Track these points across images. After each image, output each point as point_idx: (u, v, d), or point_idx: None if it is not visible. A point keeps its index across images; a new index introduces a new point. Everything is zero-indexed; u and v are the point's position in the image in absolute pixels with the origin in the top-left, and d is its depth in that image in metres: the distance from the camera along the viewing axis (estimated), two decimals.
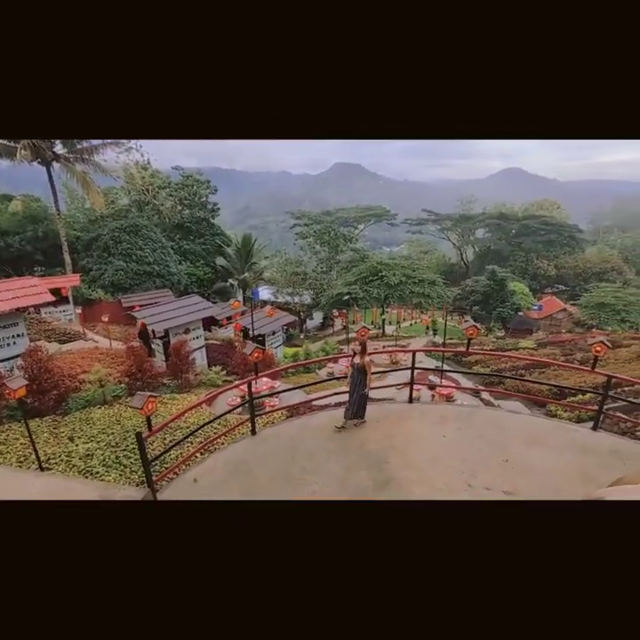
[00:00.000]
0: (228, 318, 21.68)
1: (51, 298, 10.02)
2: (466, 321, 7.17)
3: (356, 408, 5.94)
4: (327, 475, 4.93)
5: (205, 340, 14.76)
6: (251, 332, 15.68)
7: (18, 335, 9.23)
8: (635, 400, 8.55)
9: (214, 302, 24.33)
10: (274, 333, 17.83)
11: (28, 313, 15.18)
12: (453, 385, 11.63)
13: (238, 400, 9.13)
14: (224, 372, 12.30)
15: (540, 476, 4.74)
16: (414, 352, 6.61)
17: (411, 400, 6.67)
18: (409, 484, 4.69)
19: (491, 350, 18.41)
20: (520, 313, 32.98)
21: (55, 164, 21.52)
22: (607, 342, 5.42)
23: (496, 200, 69.21)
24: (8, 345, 9.00)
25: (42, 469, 5.32)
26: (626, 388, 11.67)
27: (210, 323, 19.89)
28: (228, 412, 6.29)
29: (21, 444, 6.13)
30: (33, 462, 5.46)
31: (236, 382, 9.88)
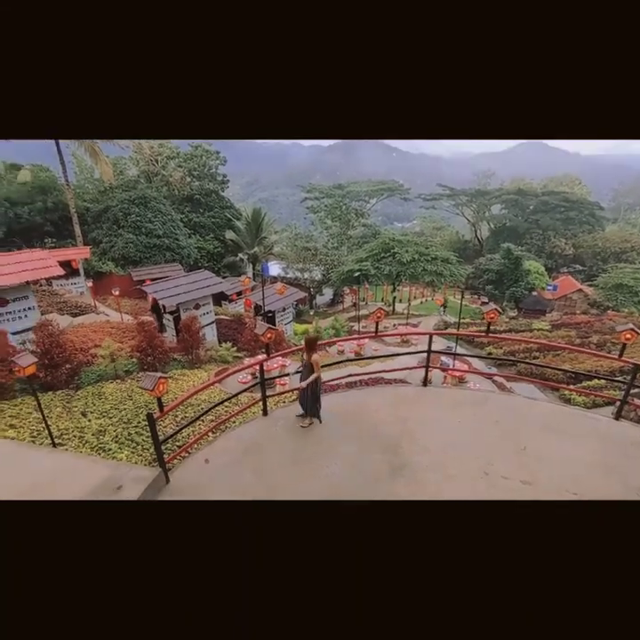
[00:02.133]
0: (238, 293, 21.56)
1: (60, 271, 9.93)
2: (484, 303, 6.90)
3: (310, 405, 5.45)
4: (340, 458, 4.86)
5: (215, 315, 14.69)
6: (262, 309, 15.55)
7: (29, 308, 9.21)
8: None
9: (224, 277, 24.17)
10: (284, 309, 17.69)
11: (40, 285, 15.22)
12: (466, 367, 11.46)
13: (249, 378, 9.10)
14: (234, 348, 12.28)
15: (560, 466, 4.61)
16: (431, 335, 6.40)
17: (425, 383, 6.52)
18: (423, 469, 4.60)
19: (504, 332, 18.09)
20: (534, 293, 32.29)
21: None
22: (637, 329, 5.15)
23: (514, 175, 66.62)
24: (19, 318, 9.01)
25: (54, 445, 5.35)
26: None
27: (220, 298, 19.82)
28: (240, 392, 6.22)
29: (34, 418, 6.17)
30: (46, 437, 5.50)
31: (247, 361, 9.83)
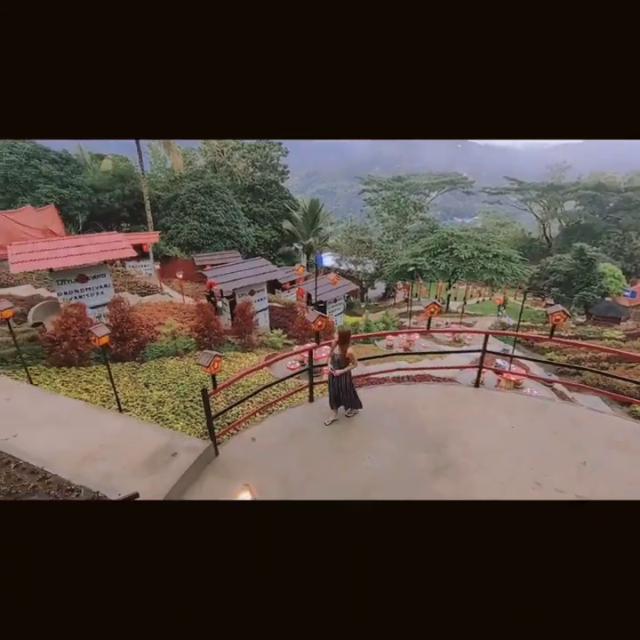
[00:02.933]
0: (291, 282, 21.98)
1: (133, 253, 10.77)
2: (549, 304, 6.43)
3: (349, 398, 5.29)
4: (381, 451, 4.85)
5: (268, 302, 15.14)
6: (313, 298, 15.75)
7: (105, 286, 10.11)
8: None
9: (279, 266, 24.74)
10: (335, 301, 17.78)
11: (115, 265, 16.61)
12: (523, 372, 10.81)
13: (297, 365, 9.31)
14: (285, 335, 12.59)
15: (623, 485, 4.24)
16: (487, 334, 6.11)
17: (477, 384, 6.27)
18: (469, 472, 4.45)
19: (570, 338, 16.76)
20: (608, 298, 29.44)
21: None
22: None
23: (594, 168, 60.67)
24: (97, 294, 9.93)
25: (121, 410, 5.89)
26: None
27: (273, 286, 20.35)
28: (289, 377, 6.40)
29: (105, 385, 6.82)
30: (114, 403, 6.06)
31: (297, 348, 10.05)
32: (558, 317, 5.28)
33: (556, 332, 5.44)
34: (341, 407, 5.41)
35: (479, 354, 6.27)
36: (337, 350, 5.08)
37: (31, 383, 6.40)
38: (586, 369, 9.76)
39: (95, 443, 4.77)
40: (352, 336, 5.19)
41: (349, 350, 5.05)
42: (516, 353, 11.43)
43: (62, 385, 6.71)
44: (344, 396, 5.26)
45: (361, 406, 5.41)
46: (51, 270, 9.23)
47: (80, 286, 9.62)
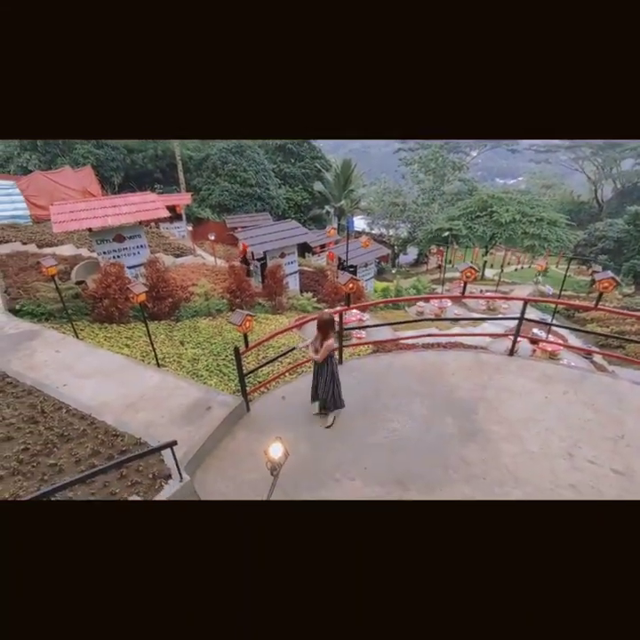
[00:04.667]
0: (322, 246, 21.70)
1: (167, 214, 10.87)
2: (596, 271, 6.04)
3: (332, 396, 4.67)
4: (410, 415, 4.88)
5: (299, 266, 15.08)
6: (344, 262, 15.55)
7: (141, 246, 10.36)
8: None
9: (310, 229, 24.40)
10: (366, 265, 17.48)
11: (150, 227, 16.92)
12: (560, 342, 10.39)
13: None
14: (314, 298, 12.60)
15: None
16: (526, 301, 5.85)
17: (511, 353, 6.09)
18: (498, 439, 4.43)
19: (617, 308, 15.81)
20: None
21: None
22: None
23: None
24: (133, 254, 10.20)
25: (159, 365, 6.19)
26: None
27: (304, 249, 20.18)
28: None
29: (144, 341, 7.14)
30: (152, 358, 6.36)
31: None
32: (607, 285, 4.94)
33: (601, 303, 5.13)
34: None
35: (513, 323, 6.04)
36: (317, 343, 4.44)
37: (77, 337, 6.81)
38: (632, 340, 9.25)
39: (136, 394, 5.07)
40: (385, 300, 4.96)
41: (330, 342, 4.36)
42: (555, 322, 10.92)
43: (105, 340, 7.10)
44: (322, 392, 4.60)
45: (343, 406, 4.79)
46: (90, 230, 9.52)
47: (118, 246, 9.91)
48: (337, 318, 5.60)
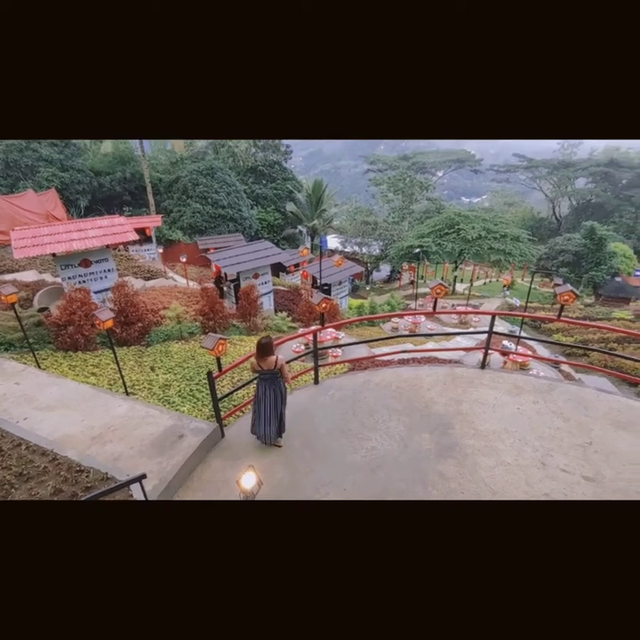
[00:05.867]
0: (296, 265, 21.83)
1: (136, 237, 10.68)
2: (557, 284, 6.33)
3: (279, 423, 4.55)
4: (387, 433, 4.86)
5: (273, 285, 15.06)
6: (319, 280, 15.66)
7: (108, 270, 10.09)
8: None
9: (283, 248, 24.55)
10: (340, 283, 17.66)
11: (118, 250, 16.54)
12: (530, 353, 10.74)
13: (302, 348, 9.31)
14: (289, 318, 12.56)
15: (629, 466, 4.22)
16: (494, 315, 6.03)
17: (483, 366, 6.22)
18: (475, 452, 4.46)
19: (579, 319, 16.57)
20: (618, 278, 28.98)
21: None
22: None
23: (609, 143, 58.77)
24: (101, 278, 9.92)
25: (127, 394, 5.94)
26: None
27: (277, 269, 20.22)
28: (294, 359, 6.39)
29: (111, 368, 6.87)
30: (121, 386, 6.10)
31: (302, 330, 10.03)
32: (567, 297, 5.18)
33: (563, 313, 5.35)
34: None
35: (485, 336, 6.21)
36: (263, 364, 4.27)
37: (39, 367, 6.47)
38: (594, 349, 9.68)
39: (103, 425, 4.83)
40: (360, 318, 5.00)
41: (280, 358, 4.32)
42: (523, 334, 11.32)
43: (69, 369, 6.77)
44: (277, 412, 4.45)
45: (283, 431, 4.65)
46: (54, 255, 9.20)
47: (84, 271, 9.61)
48: (311, 338, 5.58)
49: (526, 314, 10.26)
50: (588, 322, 7.70)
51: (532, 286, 14.96)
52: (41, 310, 8.51)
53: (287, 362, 6.35)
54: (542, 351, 13.36)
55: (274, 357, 4.32)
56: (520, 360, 9.31)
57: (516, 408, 5.19)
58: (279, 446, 4.68)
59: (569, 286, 5.25)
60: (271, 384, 4.41)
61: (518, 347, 10.97)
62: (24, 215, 15.22)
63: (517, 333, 10.92)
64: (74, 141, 24.12)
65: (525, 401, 5.32)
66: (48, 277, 11.93)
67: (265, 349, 4.26)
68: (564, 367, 11.41)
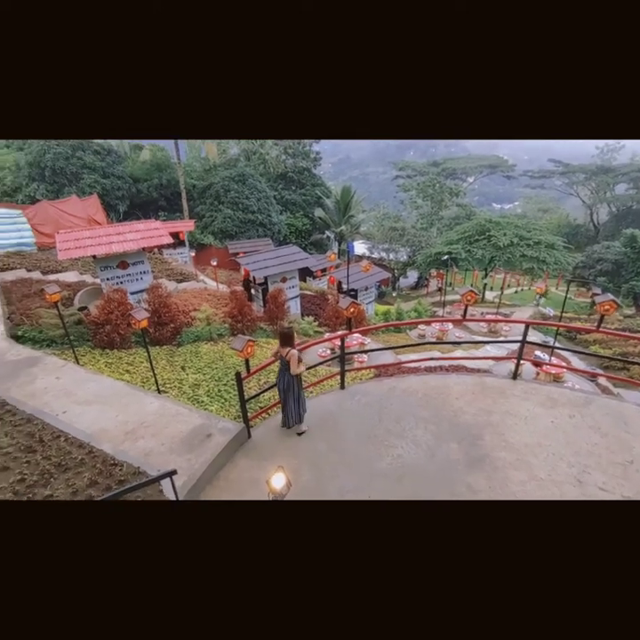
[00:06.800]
0: (323, 270, 21.93)
1: (171, 240, 11.07)
2: (596, 294, 6.07)
3: (298, 410, 4.90)
4: (414, 441, 4.79)
5: (300, 290, 15.19)
6: (345, 286, 15.67)
7: (144, 272, 10.48)
8: None
9: (311, 254, 24.73)
10: (366, 289, 17.59)
11: (153, 253, 17.17)
12: (564, 364, 10.31)
13: (328, 353, 9.32)
14: (316, 322, 12.62)
15: None
16: (528, 324, 5.84)
17: (515, 376, 6.03)
18: (505, 465, 4.32)
19: (618, 330, 15.77)
20: None
21: None
22: None
23: None
24: (137, 280, 10.31)
25: (159, 392, 6.13)
26: None
27: (305, 273, 20.38)
28: (320, 363, 6.42)
29: (145, 367, 7.11)
30: (152, 384, 6.31)
31: (328, 335, 10.05)
32: (608, 307, 4.95)
33: (602, 325, 5.12)
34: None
35: (515, 345, 6.02)
36: (281, 351, 4.71)
37: (78, 363, 6.78)
38: (635, 363, 9.17)
39: (136, 421, 5.01)
40: (387, 324, 5.09)
41: (293, 351, 4.62)
42: (557, 345, 10.88)
43: (106, 366, 7.07)
44: (290, 408, 4.83)
45: (301, 421, 4.98)
46: (94, 257, 9.66)
47: (121, 272, 10.03)
48: (336, 342, 5.59)
49: (562, 324, 9.86)
50: (629, 333, 7.32)
51: (568, 296, 14.38)
52: (81, 309, 8.93)
53: (312, 366, 6.40)
54: (577, 363, 12.79)
55: (288, 348, 4.65)
56: (554, 371, 8.95)
57: (550, 421, 5.00)
58: (299, 433, 5.00)
59: (609, 296, 5.02)
60: (283, 372, 4.79)
61: (552, 357, 10.56)
62: (68, 219, 16.09)
63: (551, 344, 10.51)
64: (115, 150, 25.31)
65: (560, 414, 5.11)
66: (88, 278, 12.52)
67: (283, 338, 4.69)
68: (602, 380, 10.87)
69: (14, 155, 23.47)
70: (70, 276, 12.35)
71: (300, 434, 4.98)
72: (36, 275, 11.93)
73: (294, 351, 4.64)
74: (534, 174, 52.14)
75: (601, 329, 5.22)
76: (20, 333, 7.55)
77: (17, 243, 14.35)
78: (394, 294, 30.20)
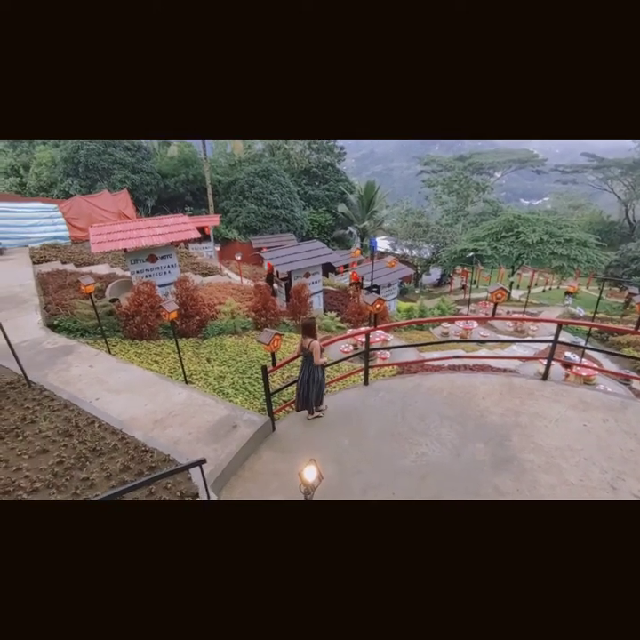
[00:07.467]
0: (345, 266, 21.86)
1: (198, 235, 11.26)
2: (633, 294, 5.83)
3: (315, 397, 5.10)
4: (439, 439, 4.74)
5: (323, 285, 15.20)
6: (369, 282, 15.58)
7: (172, 266, 10.72)
8: None
9: (333, 249, 24.69)
10: (389, 285, 17.43)
11: (180, 247, 17.53)
12: (595, 366, 9.94)
13: (351, 348, 9.31)
14: (338, 318, 12.62)
15: None
16: (560, 323, 5.66)
17: (545, 377, 5.87)
18: (534, 468, 4.22)
19: None
20: None
21: None
22: None
23: None
24: (165, 273, 10.56)
25: (186, 382, 6.28)
26: None
27: (327, 269, 20.37)
28: (343, 359, 6.42)
29: (172, 358, 7.30)
30: (180, 375, 6.47)
31: (352, 331, 10.03)
32: None
33: (633, 327, 4.91)
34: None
35: (543, 346, 5.85)
36: (303, 342, 4.88)
37: (109, 353, 7.03)
38: None
39: (165, 410, 5.15)
40: (411, 321, 5.08)
41: (314, 342, 4.77)
42: (589, 346, 10.48)
43: (135, 356, 7.29)
44: (310, 395, 5.02)
45: (319, 410, 5.30)
46: (125, 250, 9.95)
47: (150, 265, 10.29)
48: (359, 338, 5.58)
49: (596, 324, 9.50)
50: None
51: (598, 295, 13.85)
52: (112, 301, 9.23)
53: (335, 362, 6.40)
54: (608, 366, 12.31)
55: (310, 339, 4.79)
56: (585, 373, 8.65)
57: (582, 425, 4.84)
58: (317, 416, 5.25)
59: None
60: (306, 363, 4.92)
61: (583, 359, 10.20)
62: (100, 213, 16.60)
63: (582, 344, 10.14)
64: (145, 146, 25.89)
65: (593, 418, 4.95)
66: (118, 271, 12.91)
67: (305, 329, 4.87)
68: (636, 384, 10.42)
69: (51, 151, 24.37)
70: (102, 269, 12.77)
71: (317, 416, 5.24)
72: (70, 267, 12.39)
73: (315, 342, 4.77)
74: (566, 169, 50.11)
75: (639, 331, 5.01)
76: (55, 323, 7.87)
77: (53, 236, 14.93)
78: (416, 291, 29.82)
